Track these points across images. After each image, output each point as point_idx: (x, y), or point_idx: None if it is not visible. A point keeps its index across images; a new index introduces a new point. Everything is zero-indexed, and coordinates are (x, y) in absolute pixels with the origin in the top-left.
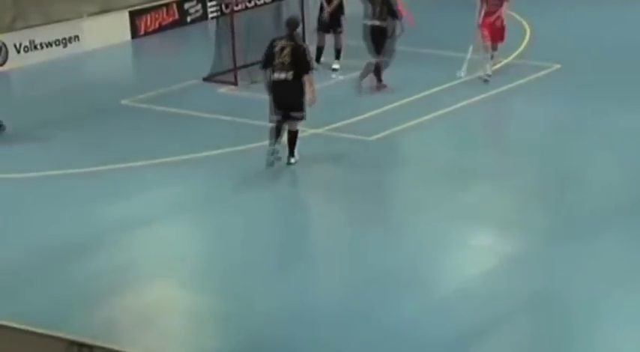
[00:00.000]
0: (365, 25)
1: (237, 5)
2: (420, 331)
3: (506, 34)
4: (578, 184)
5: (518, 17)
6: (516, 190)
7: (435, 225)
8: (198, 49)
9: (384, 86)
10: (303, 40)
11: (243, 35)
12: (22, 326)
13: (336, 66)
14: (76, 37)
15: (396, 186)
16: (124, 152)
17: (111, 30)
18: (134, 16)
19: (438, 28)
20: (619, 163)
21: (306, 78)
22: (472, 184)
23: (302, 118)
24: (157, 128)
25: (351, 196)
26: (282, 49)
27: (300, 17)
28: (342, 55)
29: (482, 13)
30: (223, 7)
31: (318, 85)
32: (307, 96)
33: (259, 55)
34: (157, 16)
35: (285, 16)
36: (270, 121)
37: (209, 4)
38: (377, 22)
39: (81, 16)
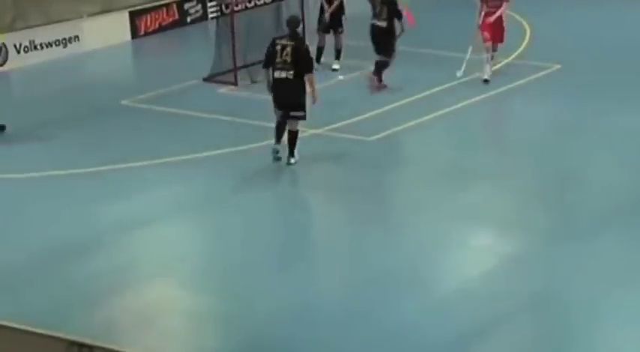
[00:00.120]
0: (370, 25)
1: (237, 5)
2: (420, 331)
3: (506, 34)
4: (578, 184)
5: (518, 17)
6: (516, 190)
7: (435, 225)
8: (198, 49)
9: (384, 86)
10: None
11: (243, 35)
12: (22, 326)
13: (336, 66)
14: (76, 37)
15: (396, 186)
16: (124, 152)
17: (111, 30)
18: (134, 16)
19: (438, 28)
20: (619, 163)
21: (307, 77)
22: (472, 184)
23: (302, 118)
24: (157, 128)
25: (351, 196)
26: (284, 48)
27: (300, 17)
28: (342, 55)
29: (482, 13)
30: (223, 7)
31: (319, 85)
32: (309, 96)
33: (259, 56)
34: (157, 16)
35: (285, 16)
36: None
37: (209, 4)
38: (377, 22)
39: (81, 17)
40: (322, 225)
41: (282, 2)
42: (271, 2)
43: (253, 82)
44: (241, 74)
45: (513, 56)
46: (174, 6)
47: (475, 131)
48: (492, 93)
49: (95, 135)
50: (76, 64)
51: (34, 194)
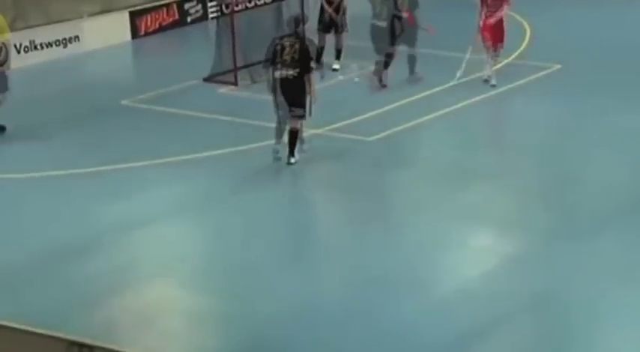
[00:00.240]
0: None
1: (237, 5)
2: (419, 332)
3: (506, 36)
4: (578, 184)
5: (518, 17)
6: (516, 190)
7: (435, 225)
8: (198, 49)
9: (384, 86)
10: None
11: (244, 35)
12: (22, 326)
13: (336, 66)
14: (77, 37)
15: (396, 186)
16: (124, 152)
17: (111, 30)
18: (134, 16)
19: (439, 28)
20: (619, 163)
21: (306, 78)
22: (472, 184)
23: (302, 116)
24: (157, 128)
25: (351, 196)
26: (286, 46)
27: (301, 17)
28: (342, 55)
29: (483, 15)
30: (223, 7)
31: (320, 85)
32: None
33: (259, 56)
34: (157, 16)
35: (285, 16)
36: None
37: (209, 4)
38: (377, 22)
39: (81, 17)
40: (322, 225)
41: (283, 2)
42: (271, 2)
43: (254, 82)
44: (241, 74)
45: (513, 56)
46: (175, 6)
47: (475, 131)
48: (492, 93)
49: (95, 135)
50: (76, 64)
51: (34, 194)
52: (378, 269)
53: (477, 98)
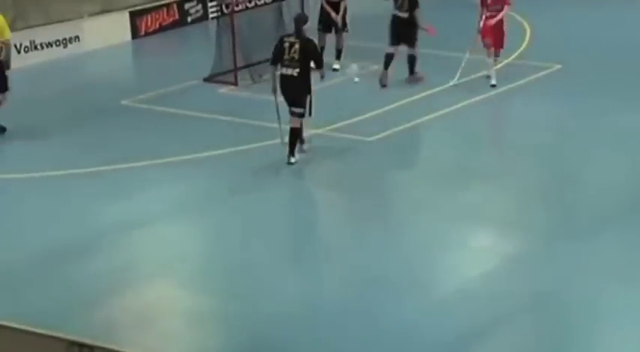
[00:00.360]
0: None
1: (237, 5)
2: (419, 332)
3: (506, 39)
4: (578, 184)
5: (518, 17)
6: (516, 190)
7: (435, 225)
8: (198, 49)
9: (384, 86)
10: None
11: (244, 35)
12: (22, 326)
13: (336, 66)
14: (77, 37)
15: (396, 186)
16: (124, 152)
17: (111, 30)
18: (134, 16)
19: (439, 28)
20: (619, 163)
21: (319, 72)
22: (472, 184)
23: (302, 115)
24: (157, 128)
25: (351, 196)
26: (291, 45)
27: (307, 15)
28: (342, 55)
29: (483, 17)
30: (224, 7)
31: (320, 86)
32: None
33: (260, 56)
34: (157, 16)
35: (285, 16)
36: None
37: (209, 4)
38: (399, 13)
39: (81, 17)
40: (322, 225)
41: (283, 2)
42: (272, 2)
43: (254, 81)
44: (242, 74)
45: (513, 56)
46: (175, 6)
47: (475, 131)
48: (492, 93)
49: (95, 135)
50: (77, 64)
51: (34, 194)
52: (378, 269)
53: (477, 98)
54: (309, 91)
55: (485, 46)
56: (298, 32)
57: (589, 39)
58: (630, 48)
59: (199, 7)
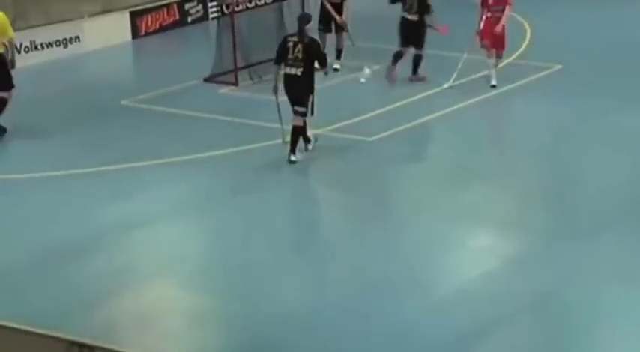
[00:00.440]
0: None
1: (237, 6)
2: (419, 332)
3: (507, 41)
4: (578, 184)
5: (518, 17)
6: (517, 190)
7: (435, 226)
8: (198, 49)
9: (422, 78)
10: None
11: (244, 35)
12: (22, 327)
13: (337, 66)
14: (77, 37)
15: (397, 186)
16: (124, 152)
17: (112, 30)
18: (135, 16)
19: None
20: (619, 163)
21: (324, 71)
22: (472, 184)
23: (304, 114)
24: (157, 128)
25: (351, 196)
26: (295, 45)
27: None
28: (342, 55)
29: (484, 18)
30: (224, 7)
31: (320, 85)
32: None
33: (260, 56)
34: (157, 16)
35: (286, 16)
36: None
37: (210, 4)
38: (408, 16)
39: (82, 17)
40: (322, 225)
41: (284, 2)
42: (272, 2)
43: (254, 82)
44: (242, 74)
45: (514, 56)
46: (175, 6)
47: (476, 131)
48: (493, 93)
49: (95, 135)
50: (77, 65)
51: (35, 194)
52: (378, 270)
53: (478, 98)
54: (312, 91)
55: (484, 47)
56: (302, 32)
57: (589, 39)
58: (630, 48)
59: (199, 7)
